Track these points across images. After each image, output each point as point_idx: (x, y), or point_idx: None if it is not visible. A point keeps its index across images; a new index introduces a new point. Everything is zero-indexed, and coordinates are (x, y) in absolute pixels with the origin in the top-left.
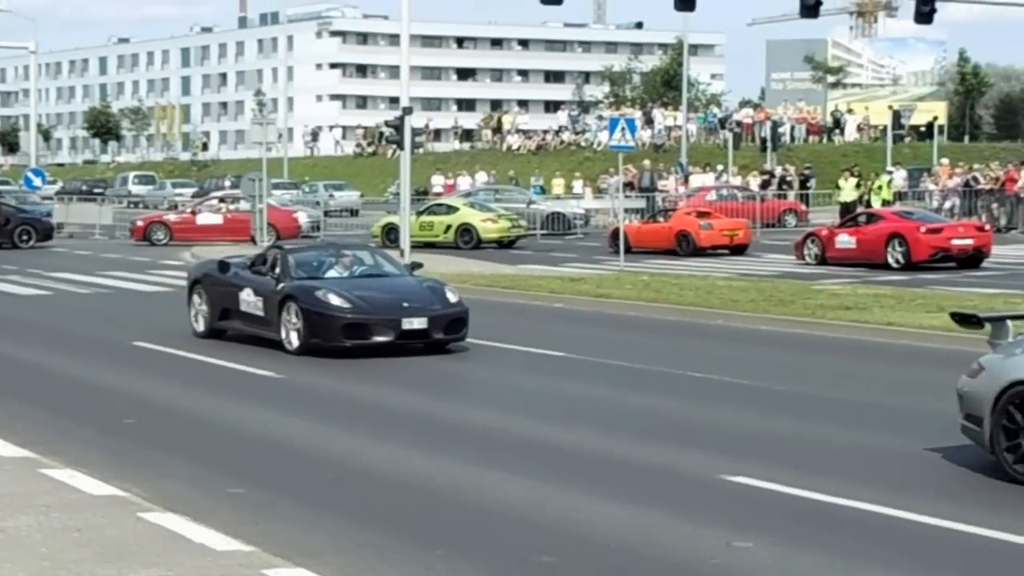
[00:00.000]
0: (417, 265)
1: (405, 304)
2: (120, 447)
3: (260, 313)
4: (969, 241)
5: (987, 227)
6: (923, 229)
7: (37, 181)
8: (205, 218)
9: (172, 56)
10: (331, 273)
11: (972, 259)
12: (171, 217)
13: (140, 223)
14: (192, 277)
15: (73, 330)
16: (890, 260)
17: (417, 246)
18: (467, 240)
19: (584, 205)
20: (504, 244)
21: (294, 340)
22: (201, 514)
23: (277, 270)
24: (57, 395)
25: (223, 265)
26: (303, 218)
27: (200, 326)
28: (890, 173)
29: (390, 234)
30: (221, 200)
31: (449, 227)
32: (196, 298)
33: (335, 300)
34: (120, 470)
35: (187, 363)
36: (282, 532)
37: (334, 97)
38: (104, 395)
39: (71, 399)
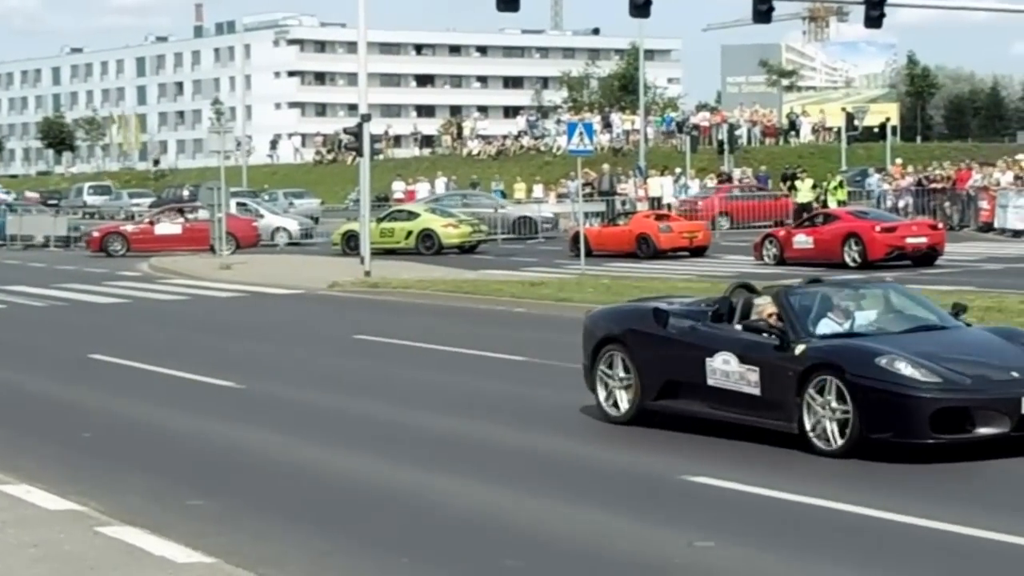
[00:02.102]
0: (962, 308)
1: (1015, 374)
2: (77, 461)
3: (753, 391)
4: (923, 239)
5: (940, 225)
6: (878, 228)
7: None
8: (164, 228)
9: (127, 66)
10: (866, 325)
11: (926, 257)
12: (128, 228)
13: (96, 234)
14: (601, 333)
15: (28, 344)
16: (847, 259)
17: (378, 253)
18: (428, 246)
19: (546, 209)
20: (466, 249)
21: (834, 434)
22: (161, 527)
23: (779, 322)
24: (12, 410)
25: (660, 314)
26: (293, 226)
27: (622, 406)
28: (844, 173)
29: (350, 241)
30: (180, 210)
31: (410, 233)
32: (613, 365)
33: (911, 371)
34: (78, 485)
35: (145, 375)
36: (243, 543)
37: (293, 105)
38: (60, 409)
39: (26, 414)
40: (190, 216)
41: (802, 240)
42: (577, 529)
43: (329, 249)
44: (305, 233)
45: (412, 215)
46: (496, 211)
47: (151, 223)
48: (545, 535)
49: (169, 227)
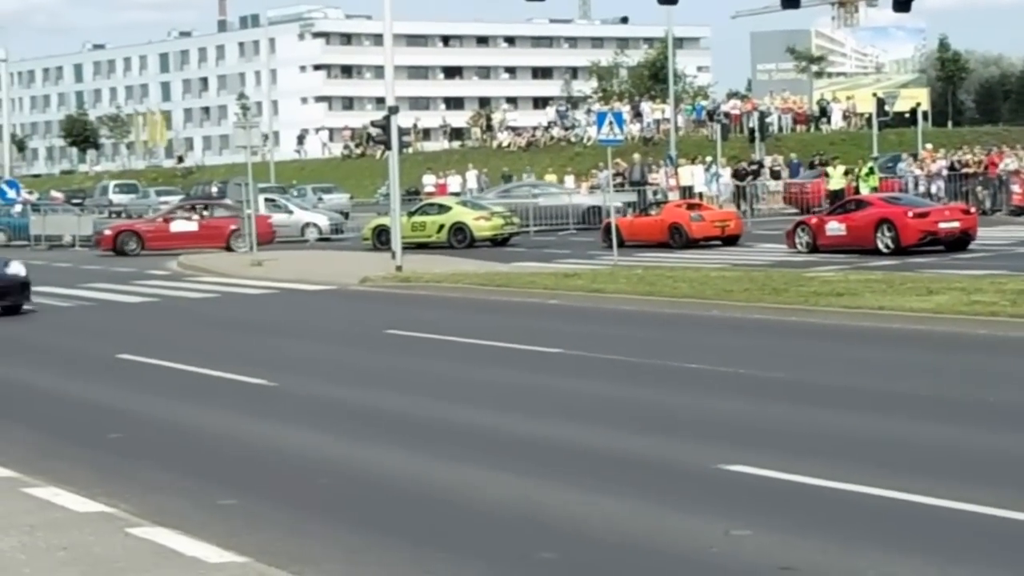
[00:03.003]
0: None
1: None
2: (106, 463)
3: None
4: (956, 224)
5: (972, 210)
6: (911, 214)
7: (11, 193)
8: (179, 225)
9: (150, 62)
10: None
11: (959, 242)
12: (142, 225)
13: (108, 232)
14: None
15: (55, 345)
16: (880, 245)
17: (409, 247)
18: (460, 239)
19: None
20: (498, 242)
21: None
22: (192, 527)
23: None
24: (40, 413)
25: None
26: (323, 221)
27: None
28: (875, 159)
29: (381, 236)
30: (192, 207)
31: (442, 227)
32: None
33: None
34: (107, 486)
35: (174, 374)
36: (276, 541)
37: (319, 99)
38: (89, 410)
39: (55, 416)
40: (205, 213)
41: (835, 227)
42: (612, 520)
43: (360, 244)
44: (335, 228)
45: (443, 208)
46: (570, 198)
47: (166, 220)
48: (580, 526)
49: (185, 224)
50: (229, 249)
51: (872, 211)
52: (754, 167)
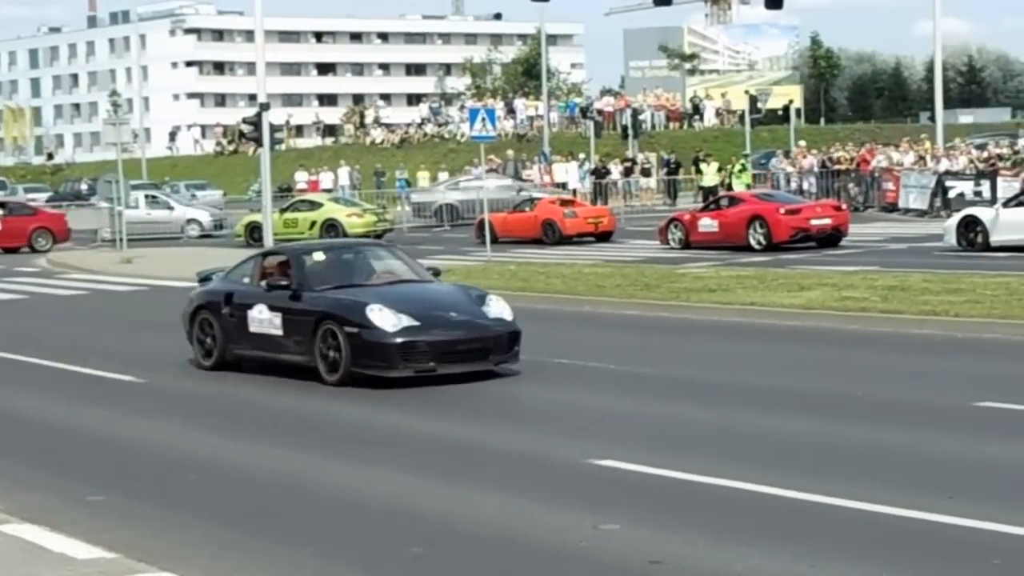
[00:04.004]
0: (436, 271)
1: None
2: None
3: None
4: (827, 221)
5: (844, 207)
6: (783, 210)
7: None
8: None
9: (20, 57)
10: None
11: (831, 238)
12: None
13: None
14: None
15: None
16: (752, 242)
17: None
18: (333, 236)
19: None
20: (371, 238)
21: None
22: (61, 524)
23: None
24: None
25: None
26: (206, 217)
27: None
28: (747, 156)
29: (254, 232)
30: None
31: (314, 223)
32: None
33: (385, 317)
34: None
35: (43, 371)
36: (145, 537)
37: (191, 95)
38: None
39: None
40: (1, 212)
41: (707, 224)
42: (482, 514)
43: (233, 241)
44: (217, 224)
45: (315, 205)
46: (518, 194)
47: None
48: (450, 521)
49: None
50: (33, 249)
51: (744, 208)
52: (627, 164)
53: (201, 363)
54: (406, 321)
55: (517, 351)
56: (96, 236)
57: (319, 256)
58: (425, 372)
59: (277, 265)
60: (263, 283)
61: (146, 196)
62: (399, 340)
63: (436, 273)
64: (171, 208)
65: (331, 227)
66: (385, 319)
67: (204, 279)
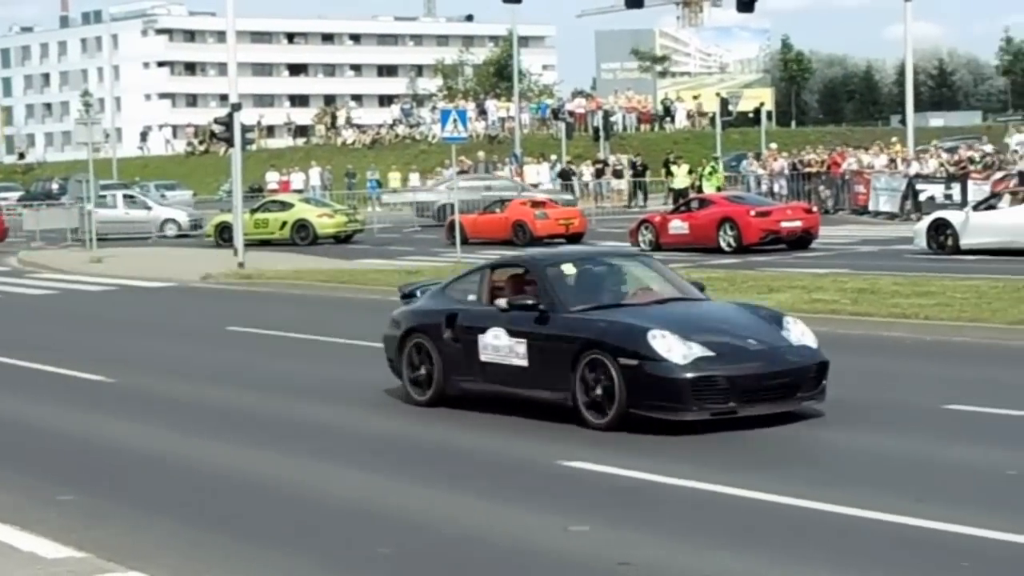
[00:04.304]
0: (700, 286)
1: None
2: None
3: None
4: (798, 223)
5: (814, 209)
6: (753, 213)
7: None
8: None
9: None
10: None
11: (801, 240)
12: None
13: None
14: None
15: None
16: (722, 244)
17: (252, 244)
18: (303, 236)
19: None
20: (341, 239)
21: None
22: (30, 523)
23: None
24: None
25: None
26: (183, 217)
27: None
28: (717, 159)
29: (223, 233)
30: None
31: (284, 224)
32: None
33: (672, 347)
34: None
35: (13, 371)
36: (114, 537)
37: (163, 96)
38: None
39: None
40: None
41: (677, 225)
42: (451, 515)
43: (203, 241)
44: (194, 224)
45: (286, 205)
46: (519, 194)
47: None
48: (419, 522)
49: None
50: None
51: (715, 210)
52: (598, 166)
53: (414, 398)
54: (698, 351)
55: (824, 386)
56: (68, 236)
57: (569, 268)
58: (724, 414)
59: (511, 279)
60: (499, 301)
61: (124, 196)
62: (692, 375)
63: (701, 288)
64: (149, 208)
65: (302, 227)
66: (673, 348)
67: (407, 295)
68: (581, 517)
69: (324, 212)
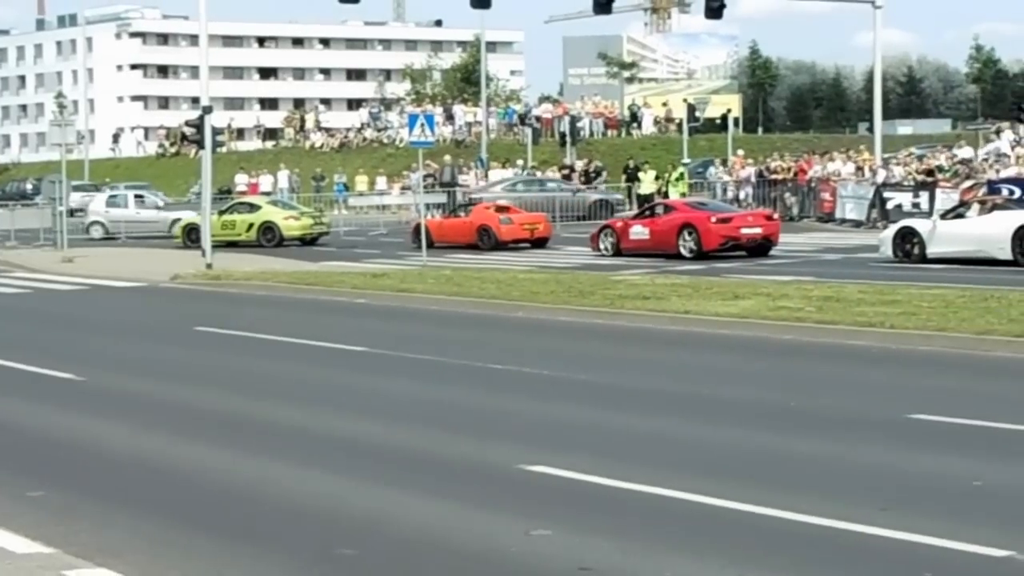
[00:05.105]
0: None
1: None
2: None
3: None
4: (758, 230)
5: (775, 216)
6: (713, 219)
7: None
8: None
9: None
10: None
11: (761, 247)
12: None
13: None
14: None
15: None
16: (682, 250)
17: (219, 245)
18: (269, 238)
19: (387, 201)
20: (307, 241)
21: None
22: (0, 518)
23: None
24: None
25: None
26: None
27: None
28: (685, 165)
29: (191, 234)
30: None
31: (251, 225)
32: None
33: None
34: None
35: None
36: (83, 533)
37: (135, 98)
38: None
39: None
40: None
41: (638, 231)
42: (412, 518)
43: (172, 242)
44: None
45: (253, 207)
46: (574, 195)
47: None
48: (380, 523)
49: None
50: None
51: (675, 216)
52: (564, 171)
53: None
54: None
55: None
56: (41, 236)
57: None
58: None
59: None
60: None
61: (135, 196)
62: None
63: None
64: (159, 207)
65: (268, 229)
66: None
67: None
68: (543, 522)
69: (290, 215)
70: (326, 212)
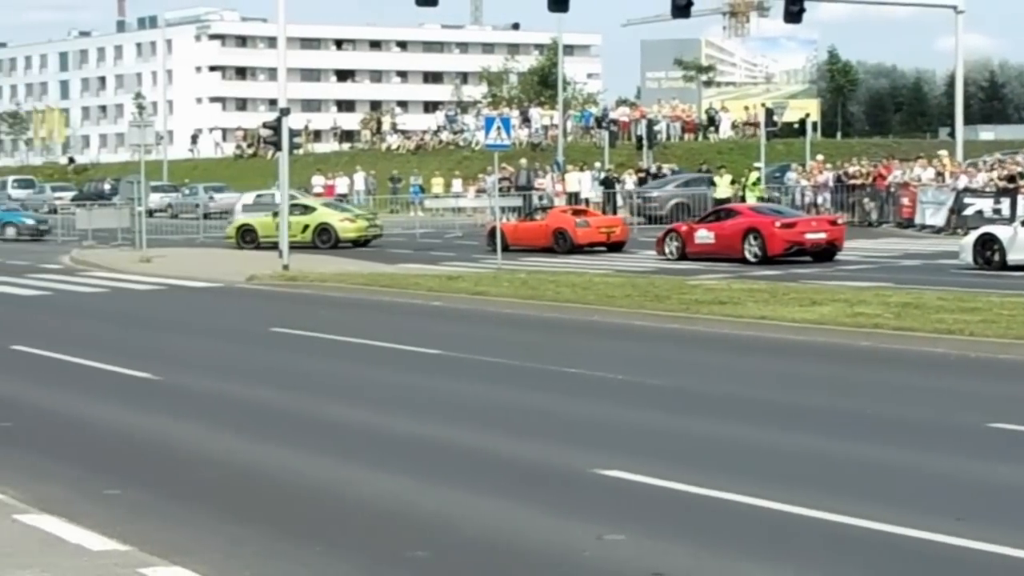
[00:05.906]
0: None
1: None
2: None
3: None
4: (822, 235)
5: (840, 221)
6: (778, 224)
7: None
8: None
9: (50, 60)
10: None
11: (825, 252)
12: None
13: None
14: None
15: None
16: (747, 254)
17: (271, 246)
18: (325, 240)
19: (463, 204)
20: (360, 243)
21: None
22: (78, 515)
23: None
24: None
25: None
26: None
27: None
28: (758, 169)
29: (245, 235)
30: None
31: (307, 227)
32: None
33: None
34: None
35: (65, 366)
36: (159, 531)
37: (214, 99)
38: None
39: None
40: None
41: (703, 235)
42: (485, 521)
43: (224, 243)
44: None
45: (308, 209)
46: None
47: None
48: (453, 526)
49: None
50: None
51: (740, 220)
52: (641, 175)
53: None
54: None
55: None
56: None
57: None
58: None
59: None
60: None
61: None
62: None
63: None
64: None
65: (324, 231)
66: None
67: None
68: (616, 526)
69: (346, 216)
70: (402, 213)
